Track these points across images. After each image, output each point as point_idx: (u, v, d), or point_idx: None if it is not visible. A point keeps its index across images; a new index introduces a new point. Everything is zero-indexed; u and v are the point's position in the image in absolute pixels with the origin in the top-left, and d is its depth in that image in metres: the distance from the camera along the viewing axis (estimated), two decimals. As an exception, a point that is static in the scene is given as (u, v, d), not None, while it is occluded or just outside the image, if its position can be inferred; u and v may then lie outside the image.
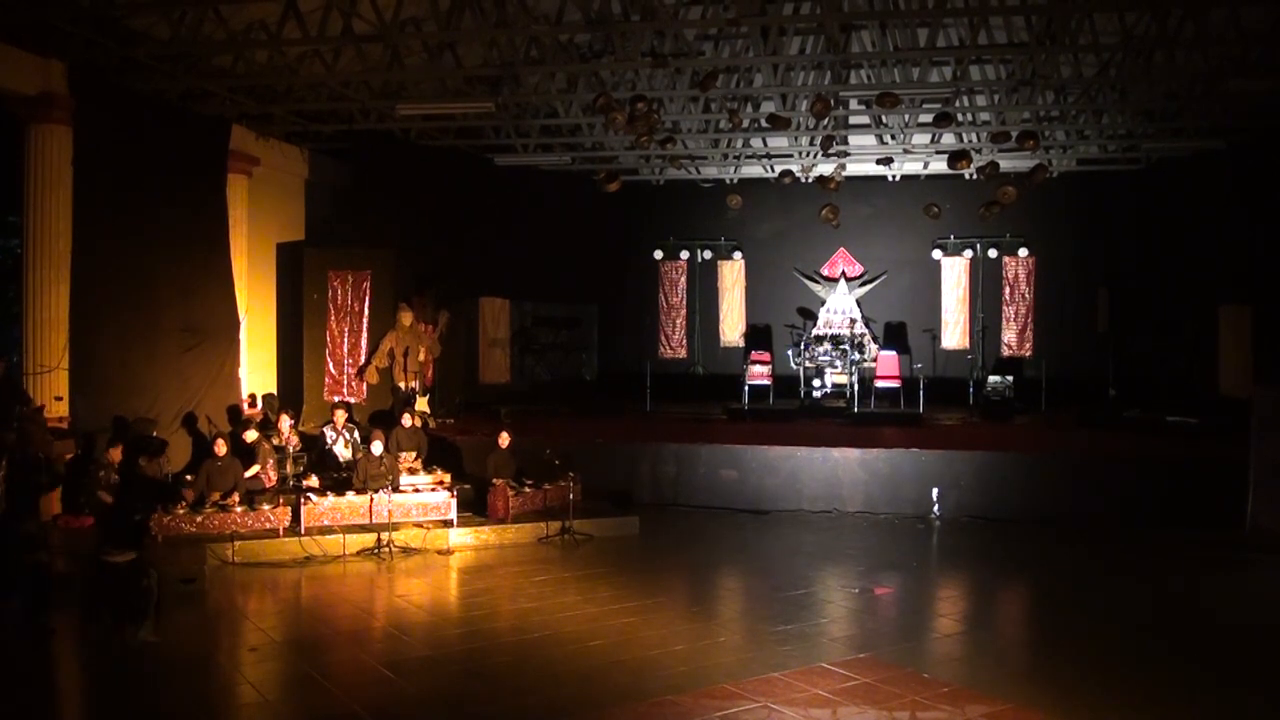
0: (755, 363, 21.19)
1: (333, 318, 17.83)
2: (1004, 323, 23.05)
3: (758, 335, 23.73)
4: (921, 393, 19.29)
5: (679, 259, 23.44)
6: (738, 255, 23.68)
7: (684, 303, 24.27)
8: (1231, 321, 19.65)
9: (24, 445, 11.37)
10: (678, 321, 24.30)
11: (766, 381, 21.10)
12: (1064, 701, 7.63)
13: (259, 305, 17.64)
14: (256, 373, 17.51)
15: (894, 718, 7.28)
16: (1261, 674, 8.47)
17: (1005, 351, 22.87)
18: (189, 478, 13.17)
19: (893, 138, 19.43)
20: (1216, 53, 14.18)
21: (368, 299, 18.01)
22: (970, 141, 19.46)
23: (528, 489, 13.93)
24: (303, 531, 12.48)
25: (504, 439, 14.29)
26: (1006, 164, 19.56)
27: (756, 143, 20.33)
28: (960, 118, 17.87)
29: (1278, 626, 9.85)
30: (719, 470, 15.77)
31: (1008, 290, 23.04)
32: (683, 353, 24.26)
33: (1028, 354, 22.40)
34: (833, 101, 15.95)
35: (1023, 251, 21.83)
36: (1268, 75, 14.20)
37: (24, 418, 11.77)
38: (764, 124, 17.57)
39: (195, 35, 13.53)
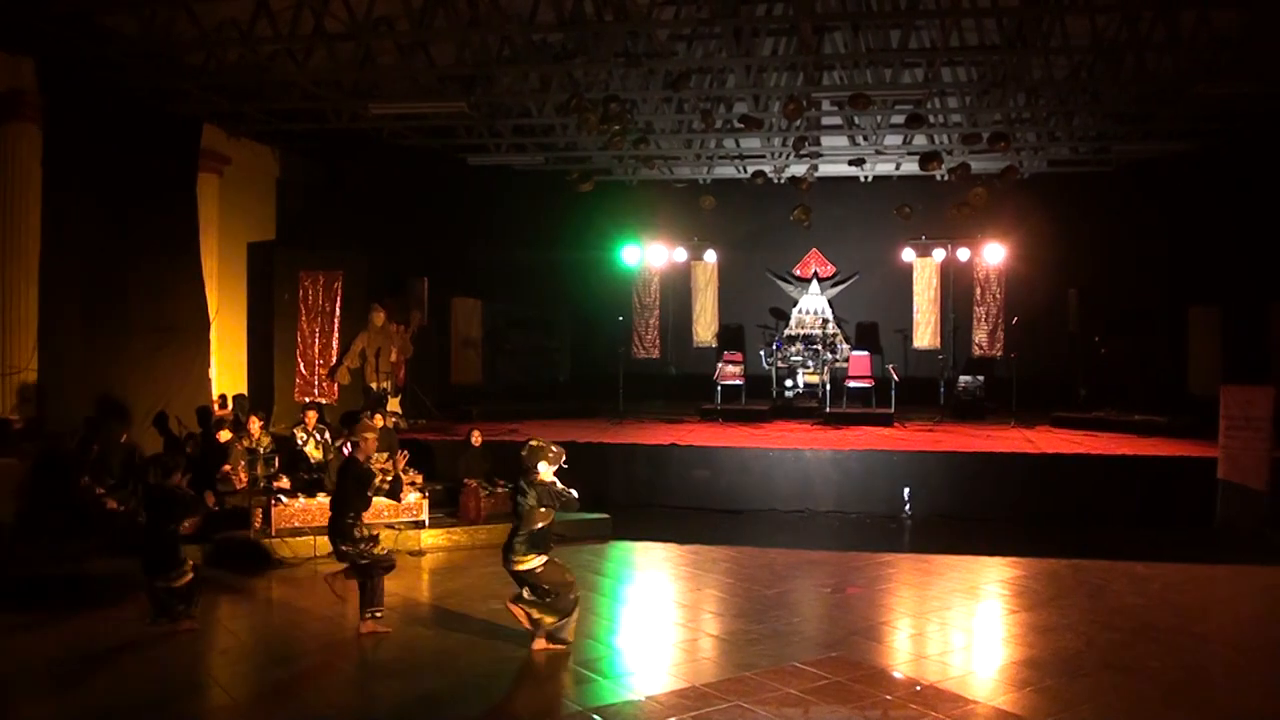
0: (728, 363, 21.27)
1: (304, 318, 17.75)
2: (975, 323, 23.20)
3: (730, 335, 23.80)
4: (893, 392, 19.40)
5: (651, 259, 23.40)
6: (711, 256, 23.71)
7: (657, 303, 24.30)
8: (1201, 322, 19.90)
9: None
10: (650, 322, 24.33)
11: (739, 382, 21.18)
12: (1036, 699, 7.69)
13: (230, 305, 17.52)
14: (227, 373, 17.40)
15: (866, 716, 7.30)
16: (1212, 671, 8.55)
17: (976, 352, 23.03)
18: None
19: (865, 139, 19.52)
20: (1187, 56, 14.30)
21: (339, 299, 17.95)
22: (942, 143, 19.57)
23: (500, 489, 13.90)
24: (273, 533, 12.40)
25: (476, 439, 14.25)
26: (978, 165, 19.69)
27: (729, 143, 20.38)
28: (932, 119, 17.98)
29: (1237, 627, 9.95)
30: (692, 470, 15.79)
31: (978, 291, 23.20)
32: (656, 353, 24.30)
33: (998, 354, 22.54)
34: (805, 102, 16.00)
35: (994, 252, 21.94)
36: (1238, 79, 14.33)
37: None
38: (737, 125, 17.63)
39: (167, 33, 13.44)
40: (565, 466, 8.79)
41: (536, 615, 8.65)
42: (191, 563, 9.46)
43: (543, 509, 8.57)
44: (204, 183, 16.64)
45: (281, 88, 16.06)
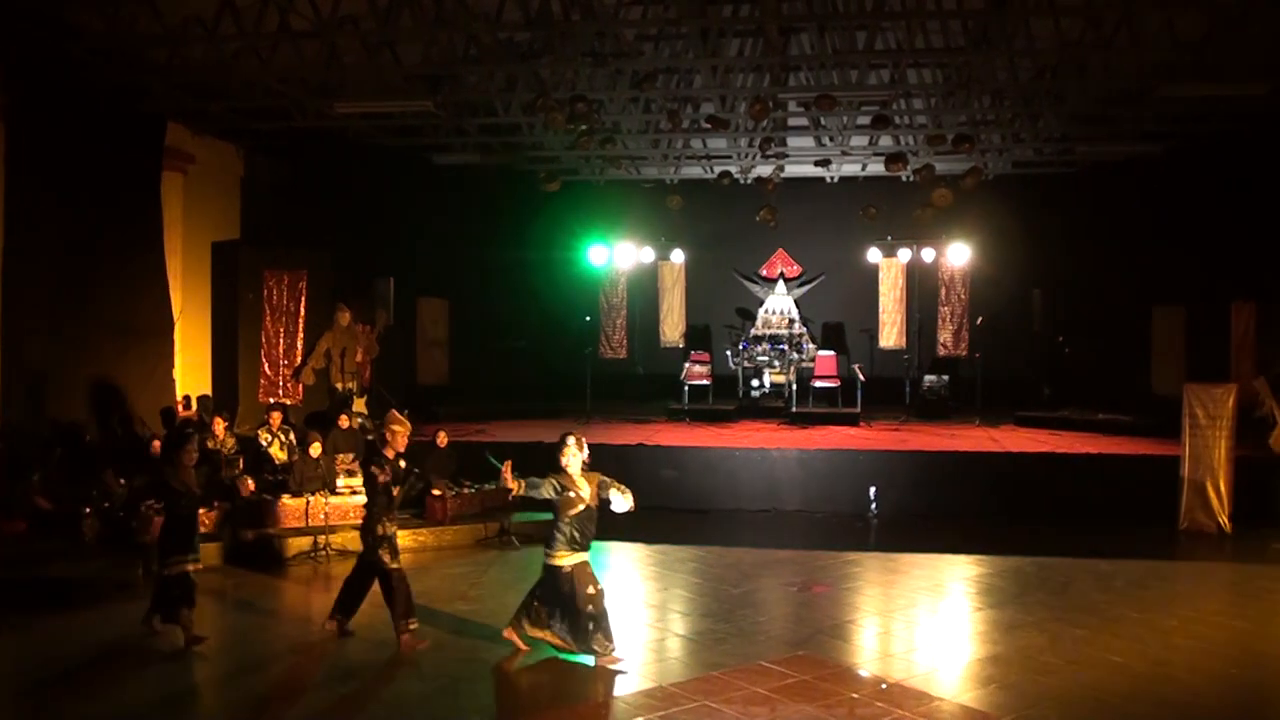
0: (695, 363, 21.29)
1: (268, 318, 17.62)
2: (940, 323, 23.33)
3: (697, 335, 23.82)
4: (859, 392, 19.47)
5: (619, 259, 23.33)
6: (678, 256, 23.70)
7: (624, 303, 24.29)
8: (1164, 321, 20.12)
9: None
10: (618, 322, 24.32)
11: (706, 382, 21.22)
12: (1001, 695, 7.74)
13: (194, 305, 17.36)
14: (191, 374, 17.24)
15: (832, 714, 7.32)
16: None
17: (941, 351, 23.16)
18: (121, 482, 12.92)
19: (831, 140, 19.59)
20: (1150, 59, 14.42)
21: (304, 299, 17.83)
22: (907, 144, 19.67)
23: (466, 490, 13.86)
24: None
25: (442, 440, 14.19)
26: (942, 167, 19.80)
27: (696, 143, 20.39)
28: (897, 121, 18.07)
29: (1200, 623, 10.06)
30: (659, 470, 15.77)
31: (943, 291, 23.32)
32: (623, 353, 24.28)
33: (963, 354, 22.67)
34: (771, 103, 16.05)
35: (958, 253, 22.05)
36: (1200, 82, 14.47)
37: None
38: (703, 125, 17.65)
39: (131, 29, 13.31)
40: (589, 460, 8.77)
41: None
42: (193, 557, 9.07)
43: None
44: (168, 181, 16.49)
45: (246, 86, 15.94)
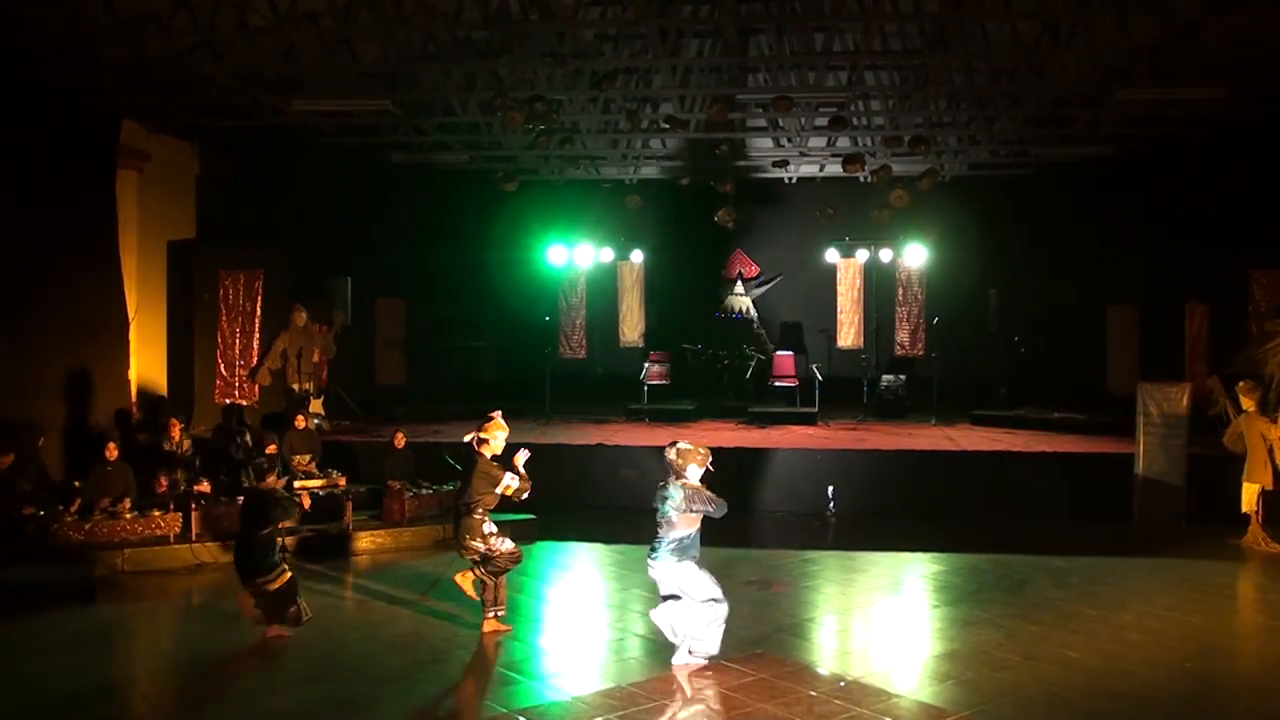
0: (654, 363, 21.27)
1: (224, 318, 17.47)
2: (897, 323, 23.47)
3: (656, 335, 23.80)
4: (817, 392, 19.55)
5: (578, 259, 23.28)
6: (637, 256, 23.69)
7: (583, 303, 24.25)
8: (1119, 321, 20.36)
9: None
10: (577, 322, 24.27)
11: (666, 382, 21.21)
12: (958, 692, 7.80)
13: (149, 305, 17.11)
14: (147, 375, 17.03)
15: (791, 712, 7.34)
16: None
17: (898, 351, 23.30)
18: (76, 484, 12.77)
19: (789, 141, 19.66)
20: (1106, 63, 14.57)
21: (260, 299, 17.69)
22: (864, 145, 19.78)
23: (425, 491, 13.79)
24: (194, 538, 12.16)
25: (400, 441, 14.12)
26: (899, 168, 19.90)
27: (655, 144, 20.40)
28: (855, 122, 18.16)
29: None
30: (619, 470, 15.77)
31: (900, 291, 23.46)
32: (582, 353, 24.23)
33: (920, 354, 22.83)
34: (730, 104, 16.10)
35: (915, 253, 22.19)
36: (1154, 86, 14.64)
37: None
38: (663, 125, 17.66)
39: (84, 24, 13.11)
40: (712, 470, 8.41)
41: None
42: (286, 565, 9.19)
43: (691, 513, 8.19)
44: (123, 179, 16.24)
45: (203, 83, 15.75)
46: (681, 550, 8.18)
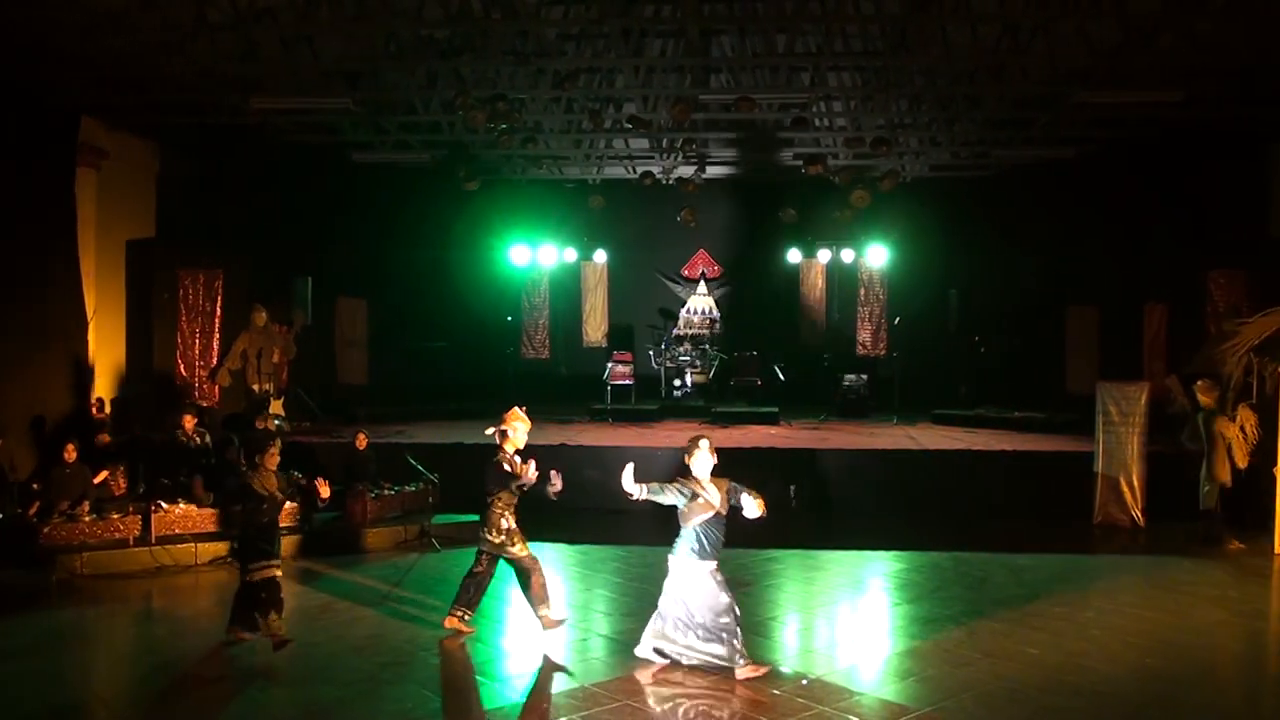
0: (618, 363, 21.24)
1: (184, 318, 17.31)
2: (859, 323, 23.58)
3: (620, 335, 23.79)
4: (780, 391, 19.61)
5: (541, 259, 23.21)
6: (600, 256, 23.66)
7: (546, 303, 24.19)
8: (1079, 321, 20.55)
9: None
10: (540, 322, 24.21)
11: (629, 382, 21.19)
12: (919, 689, 7.83)
13: (108, 305, 16.90)
14: (105, 376, 16.82)
15: (754, 711, 7.36)
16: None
17: (860, 351, 23.39)
18: (35, 486, 12.60)
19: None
20: (1065, 66, 14.70)
21: (220, 299, 17.54)
22: (826, 146, 19.84)
23: (386, 492, 13.70)
24: (153, 541, 12.01)
25: (361, 442, 14.03)
26: (861, 169, 19.97)
27: (618, 144, 20.38)
28: (817, 123, 18.22)
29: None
30: (582, 470, 15.71)
31: (862, 291, 23.57)
32: (545, 354, 24.17)
33: (881, 353, 22.93)
34: (693, 105, 16.12)
35: (877, 254, 22.30)
36: (1113, 89, 14.79)
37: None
38: (625, 125, 17.65)
39: (43, 20, 12.93)
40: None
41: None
42: (276, 562, 8.98)
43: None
44: (81, 178, 16.01)
45: (162, 80, 15.58)
46: (698, 550, 8.47)
